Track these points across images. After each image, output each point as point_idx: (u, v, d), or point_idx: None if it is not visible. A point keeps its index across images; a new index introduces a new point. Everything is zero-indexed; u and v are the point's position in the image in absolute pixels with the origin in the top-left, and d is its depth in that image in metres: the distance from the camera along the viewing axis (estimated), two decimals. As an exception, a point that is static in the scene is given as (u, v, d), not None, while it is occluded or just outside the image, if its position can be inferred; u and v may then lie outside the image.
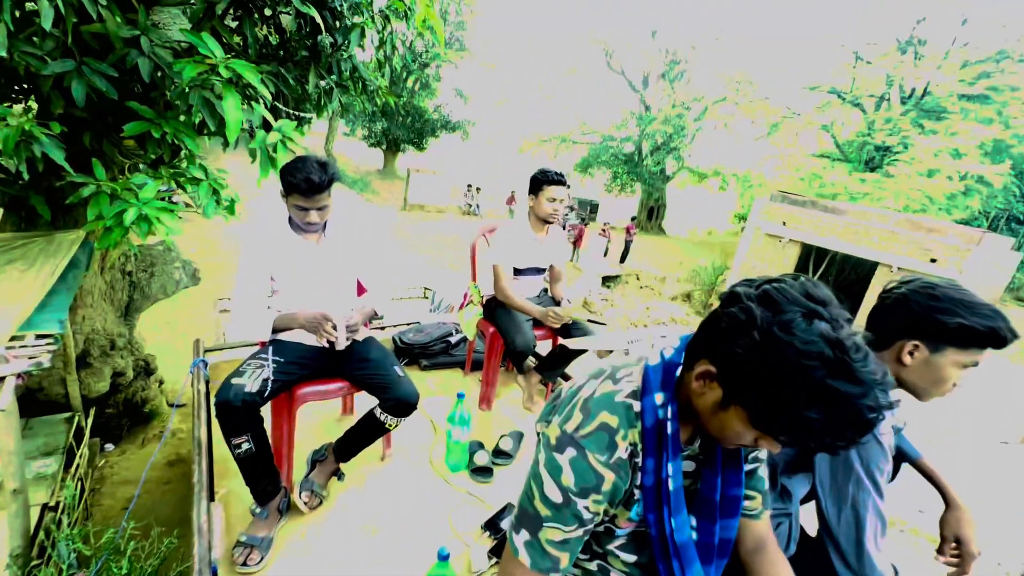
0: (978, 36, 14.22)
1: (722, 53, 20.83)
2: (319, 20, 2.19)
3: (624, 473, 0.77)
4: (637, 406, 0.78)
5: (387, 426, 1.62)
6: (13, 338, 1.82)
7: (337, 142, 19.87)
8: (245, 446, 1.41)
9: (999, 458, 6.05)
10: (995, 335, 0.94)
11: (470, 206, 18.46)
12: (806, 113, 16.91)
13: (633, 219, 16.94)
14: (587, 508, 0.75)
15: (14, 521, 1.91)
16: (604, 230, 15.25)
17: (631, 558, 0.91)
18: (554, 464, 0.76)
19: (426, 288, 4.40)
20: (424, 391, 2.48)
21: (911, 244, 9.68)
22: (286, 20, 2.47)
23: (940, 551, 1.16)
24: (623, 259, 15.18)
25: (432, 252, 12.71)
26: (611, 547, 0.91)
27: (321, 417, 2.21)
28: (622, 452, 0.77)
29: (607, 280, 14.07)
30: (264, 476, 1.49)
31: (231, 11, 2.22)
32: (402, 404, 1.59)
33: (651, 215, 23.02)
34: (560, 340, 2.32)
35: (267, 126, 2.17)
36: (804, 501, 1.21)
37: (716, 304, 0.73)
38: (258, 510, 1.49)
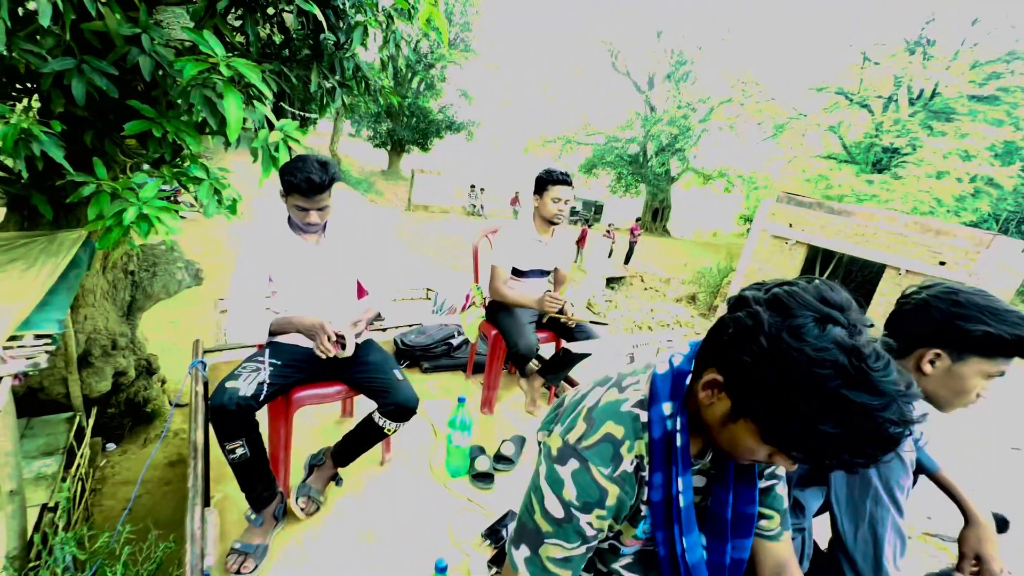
0: (988, 37, 14.09)
1: (728, 54, 20.73)
2: (321, 18, 2.17)
3: (630, 487, 0.73)
4: (644, 416, 0.75)
5: (386, 431, 1.59)
6: (11, 338, 1.79)
7: (342, 143, 19.94)
8: (240, 451, 1.38)
9: (1010, 465, 5.94)
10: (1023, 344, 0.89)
11: (474, 207, 18.46)
12: (813, 114, 16.78)
13: (638, 220, 16.91)
14: (590, 524, 0.71)
15: (11, 522, 1.89)
16: (609, 231, 15.20)
17: None
18: (555, 477, 0.73)
19: (428, 289, 4.38)
20: (425, 394, 2.45)
21: (919, 246, 9.55)
22: (289, 18, 2.45)
23: (959, 568, 1.11)
24: (627, 260, 15.13)
25: (435, 253, 12.71)
26: (616, 566, 0.87)
27: (320, 419, 2.18)
28: (627, 465, 0.73)
29: (611, 281, 14.03)
30: (259, 482, 1.46)
31: (233, 9, 2.20)
32: (401, 409, 1.56)
33: (656, 216, 22.95)
34: (563, 343, 2.29)
35: (270, 125, 2.15)
36: (816, 513, 1.16)
37: (721, 306, 0.68)
38: (253, 516, 1.46)
